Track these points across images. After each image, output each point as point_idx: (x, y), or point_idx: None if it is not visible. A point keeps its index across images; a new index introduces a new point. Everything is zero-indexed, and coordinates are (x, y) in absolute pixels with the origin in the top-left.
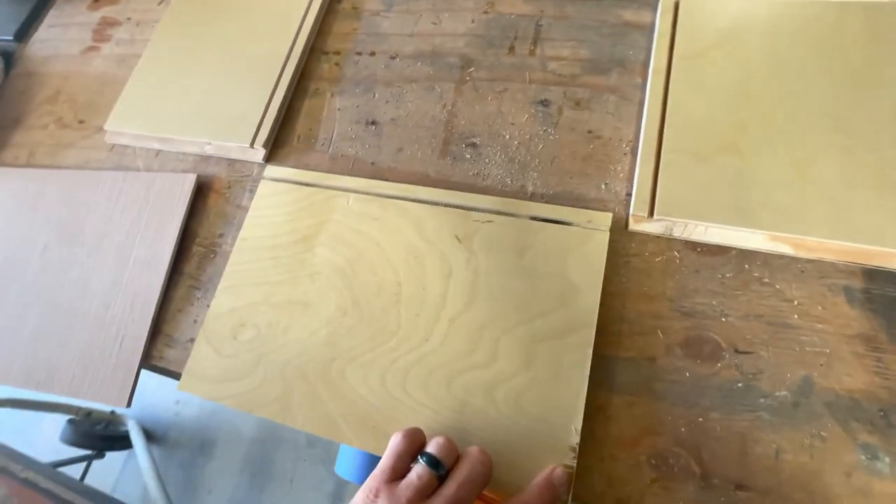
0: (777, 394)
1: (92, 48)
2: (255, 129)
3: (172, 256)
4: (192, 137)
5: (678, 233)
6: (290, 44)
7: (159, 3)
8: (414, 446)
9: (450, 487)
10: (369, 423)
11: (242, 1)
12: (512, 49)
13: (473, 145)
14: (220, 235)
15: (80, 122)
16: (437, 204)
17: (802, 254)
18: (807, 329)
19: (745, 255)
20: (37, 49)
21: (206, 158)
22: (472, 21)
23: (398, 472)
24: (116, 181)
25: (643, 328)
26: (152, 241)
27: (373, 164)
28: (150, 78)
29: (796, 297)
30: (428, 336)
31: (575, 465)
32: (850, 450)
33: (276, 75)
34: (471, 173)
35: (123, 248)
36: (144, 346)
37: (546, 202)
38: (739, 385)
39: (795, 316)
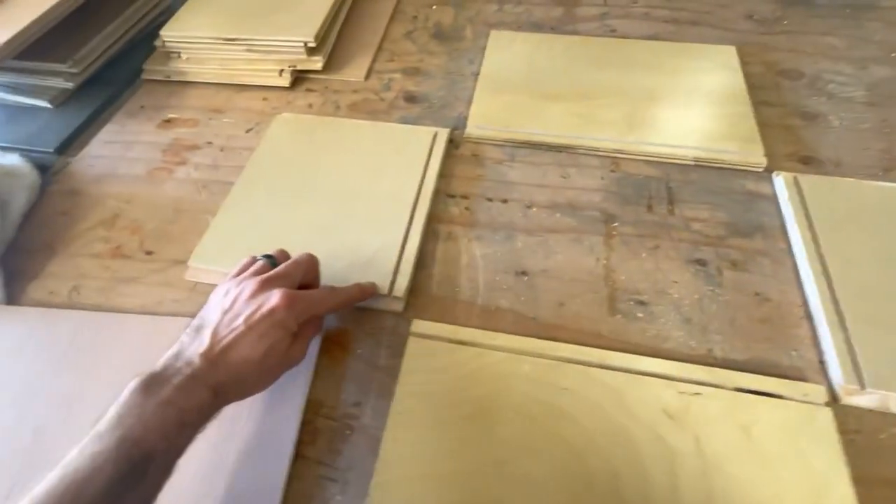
0: None
1: (162, 169)
2: (391, 275)
3: (296, 435)
4: None
5: (895, 407)
6: (418, 183)
7: (247, 132)
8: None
9: (279, 267)
10: None
11: (352, 136)
12: (650, 208)
13: (642, 303)
14: (356, 404)
15: (148, 252)
16: (628, 371)
17: None
18: None
19: None
20: (86, 166)
21: None
22: (602, 178)
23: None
24: None
25: None
26: (264, 413)
27: (534, 318)
28: (247, 209)
29: None
30: None
31: None
32: None
33: (408, 216)
34: (648, 334)
35: (221, 425)
36: None
37: (740, 369)
38: None
39: None
